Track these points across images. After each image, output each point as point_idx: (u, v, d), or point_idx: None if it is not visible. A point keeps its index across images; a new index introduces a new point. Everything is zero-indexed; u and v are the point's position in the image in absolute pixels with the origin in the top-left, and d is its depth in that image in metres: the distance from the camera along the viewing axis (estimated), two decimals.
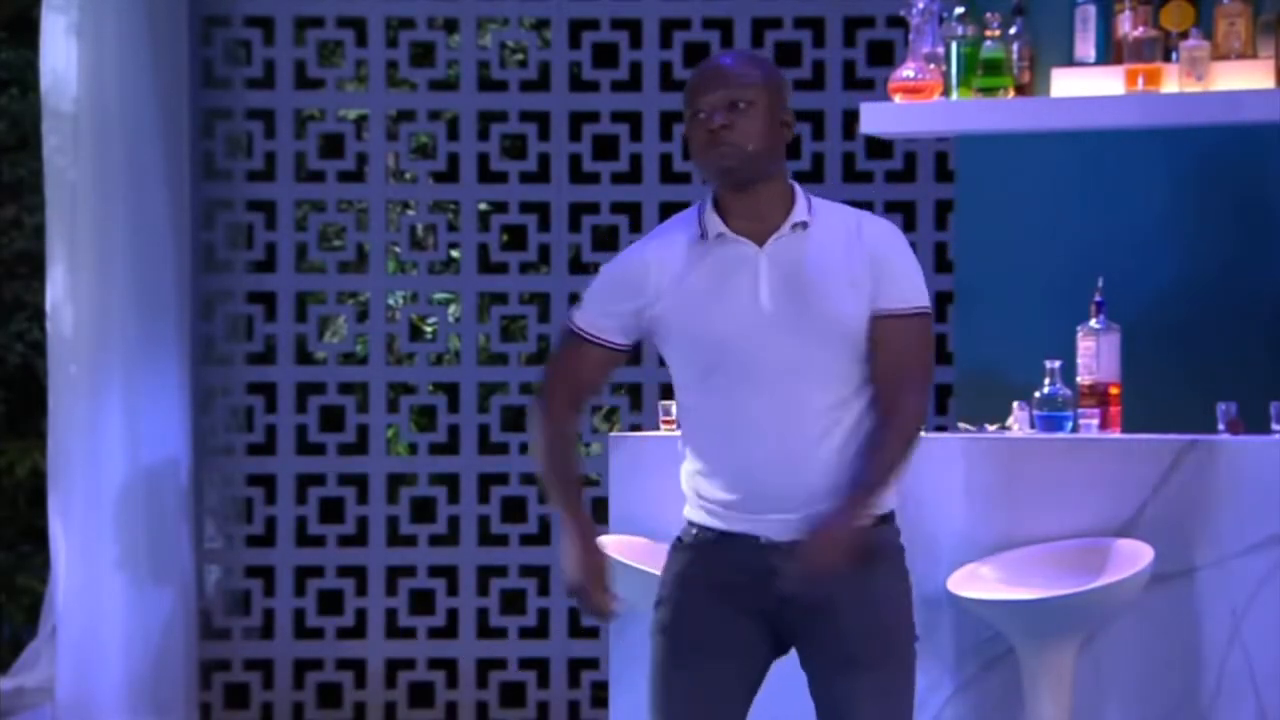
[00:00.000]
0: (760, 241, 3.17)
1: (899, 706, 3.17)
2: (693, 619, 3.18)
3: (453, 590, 6.56)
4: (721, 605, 3.17)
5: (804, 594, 3.14)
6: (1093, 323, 4.70)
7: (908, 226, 6.53)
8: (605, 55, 6.60)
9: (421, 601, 6.58)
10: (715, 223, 3.18)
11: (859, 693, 3.14)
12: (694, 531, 3.22)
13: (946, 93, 4.99)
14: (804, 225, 3.18)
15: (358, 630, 6.55)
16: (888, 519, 3.20)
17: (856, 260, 3.17)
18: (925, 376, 3.18)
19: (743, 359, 3.13)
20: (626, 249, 3.27)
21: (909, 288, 3.18)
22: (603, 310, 3.21)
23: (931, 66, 4.99)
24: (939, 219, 6.49)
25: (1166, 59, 4.87)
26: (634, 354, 3.40)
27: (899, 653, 3.18)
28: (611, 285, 3.22)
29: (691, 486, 3.23)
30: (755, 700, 3.24)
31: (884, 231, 3.22)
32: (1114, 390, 4.68)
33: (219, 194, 6.56)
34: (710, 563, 3.18)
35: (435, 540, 6.58)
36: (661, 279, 3.18)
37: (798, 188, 3.22)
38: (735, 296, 3.14)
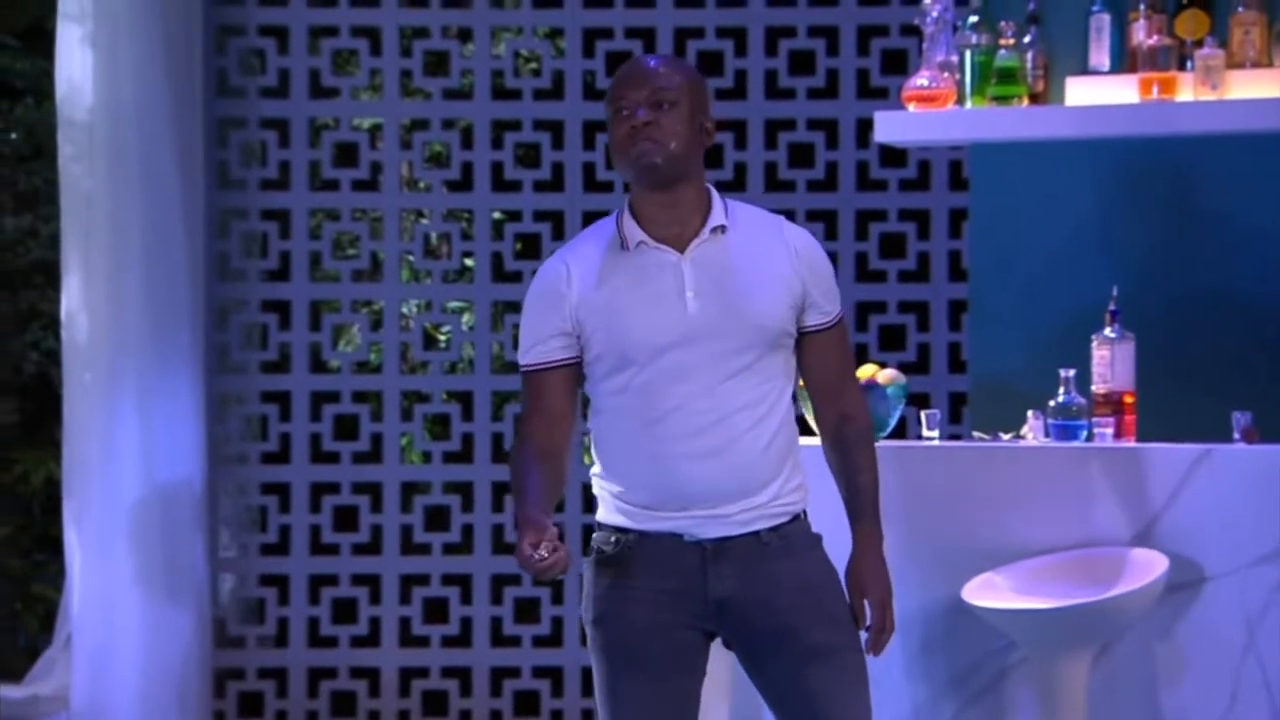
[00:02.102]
0: (681, 248, 3.19)
1: (866, 690, 3.20)
2: (634, 633, 3.18)
3: (466, 599, 6.56)
4: (657, 612, 3.18)
5: (743, 594, 3.17)
6: (1107, 331, 4.69)
7: (922, 235, 6.52)
8: (619, 64, 6.58)
9: (435, 610, 6.58)
10: (635, 231, 3.20)
11: (834, 680, 3.16)
12: (613, 539, 3.21)
13: (960, 101, 4.98)
14: (722, 229, 3.21)
15: (372, 639, 6.56)
16: (800, 517, 3.25)
17: (782, 265, 3.21)
18: (855, 372, 3.37)
19: (667, 361, 3.16)
20: (543, 263, 3.28)
21: (834, 297, 3.27)
22: (537, 336, 3.23)
23: (945, 75, 4.98)
24: (953, 227, 6.48)
25: (1181, 68, 4.87)
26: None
27: (852, 635, 3.22)
28: (536, 306, 3.24)
29: (608, 488, 3.23)
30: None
31: (809, 243, 3.27)
32: (1129, 399, 4.67)
33: (233, 203, 6.57)
34: (639, 571, 3.19)
35: (449, 549, 6.58)
36: (583, 285, 3.20)
37: (714, 192, 3.25)
38: (659, 302, 3.17)
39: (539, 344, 3.23)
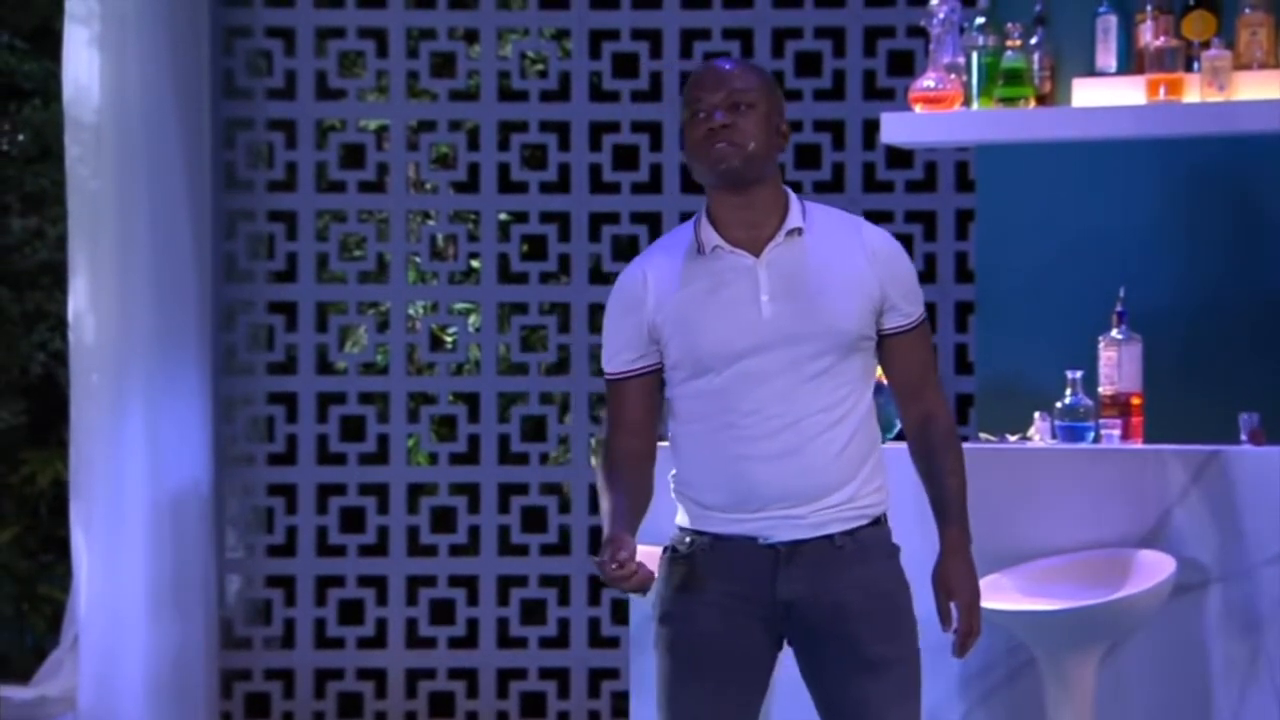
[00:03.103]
0: (756, 251, 3.18)
1: (918, 706, 3.20)
2: (698, 633, 3.17)
3: (473, 600, 6.56)
4: (725, 616, 3.17)
5: (811, 598, 3.16)
6: (1114, 333, 4.69)
7: (928, 236, 6.52)
8: (625, 65, 6.60)
9: (442, 611, 6.58)
10: (711, 235, 3.20)
11: (882, 695, 3.15)
12: (688, 540, 3.21)
13: (967, 102, 4.98)
14: (799, 231, 3.20)
15: (378, 640, 6.56)
16: (880, 521, 3.23)
17: (860, 267, 3.19)
18: (938, 375, 3.33)
19: (743, 367, 3.15)
20: (623, 271, 3.28)
21: (915, 299, 3.24)
22: (621, 343, 3.23)
23: (952, 76, 4.98)
24: (959, 229, 6.48)
25: (1188, 69, 4.86)
26: None
27: (911, 654, 3.20)
28: (617, 311, 3.24)
29: (685, 492, 3.23)
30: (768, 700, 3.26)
31: (889, 243, 3.24)
32: (1136, 400, 4.67)
33: (240, 204, 6.57)
34: (709, 572, 3.18)
35: (455, 550, 6.59)
36: (660, 291, 3.19)
37: (791, 194, 3.24)
38: (735, 306, 3.16)
39: (621, 351, 3.23)
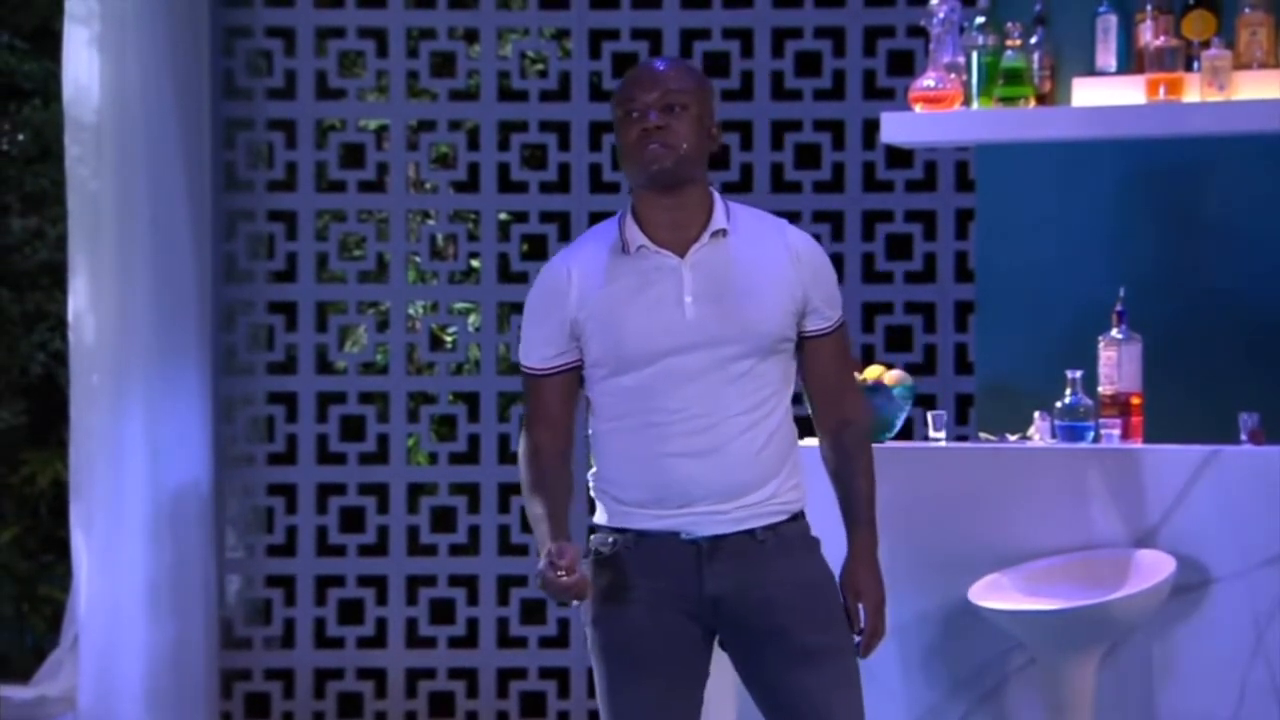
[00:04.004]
0: (681, 252, 3.20)
1: (858, 692, 3.21)
2: (634, 632, 3.19)
3: (473, 600, 6.56)
4: (653, 613, 3.18)
5: (738, 592, 3.18)
6: (1114, 332, 4.69)
7: (928, 236, 6.52)
8: (625, 65, 6.60)
9: (442, 611, 6.58)
10: (636, 235, 3.21)
11: (821, 685, 3.16)
12: (610, 540, 3.22)
13: (967, 102, 4.98)
14: (723, 233, 3.21)
15: (378, 640, 6.56)
16: (799, 516, 3.25)
17: (784, 269, 3.21)
18: (855, 376, 3.37)
19: (664, 366, 3.16)
20: (545, 265, 3.28)
21: (835, 302, 3.27)
22: (540, 338, 3.24)
23: (952, 76, 4.98)
24: (959, 228, 6.48)
25: (1188, 68, 4.86)
26: None
27: (846, 639, 3.23)
28: (538, 307, 3.24)
29: (605, 490, 3.24)
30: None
31: (811, 246, 3.27)
32: (1135, 400, 4.67)
33: (240, 204, 6.57)
34: (634, 570, 3.19)
35: (455, 550, 6.59)
36: (584, 288, 3.20)
37: (717, 195, 3.25)
38: (659, 307, 3.17)
39: (540, 346, 3.24)
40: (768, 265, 3.20)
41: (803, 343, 3.25)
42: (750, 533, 3.19)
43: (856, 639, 3.23)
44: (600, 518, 3.25)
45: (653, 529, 3.19)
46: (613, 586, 3.20)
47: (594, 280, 3.20)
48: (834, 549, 3.29)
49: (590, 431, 3.26)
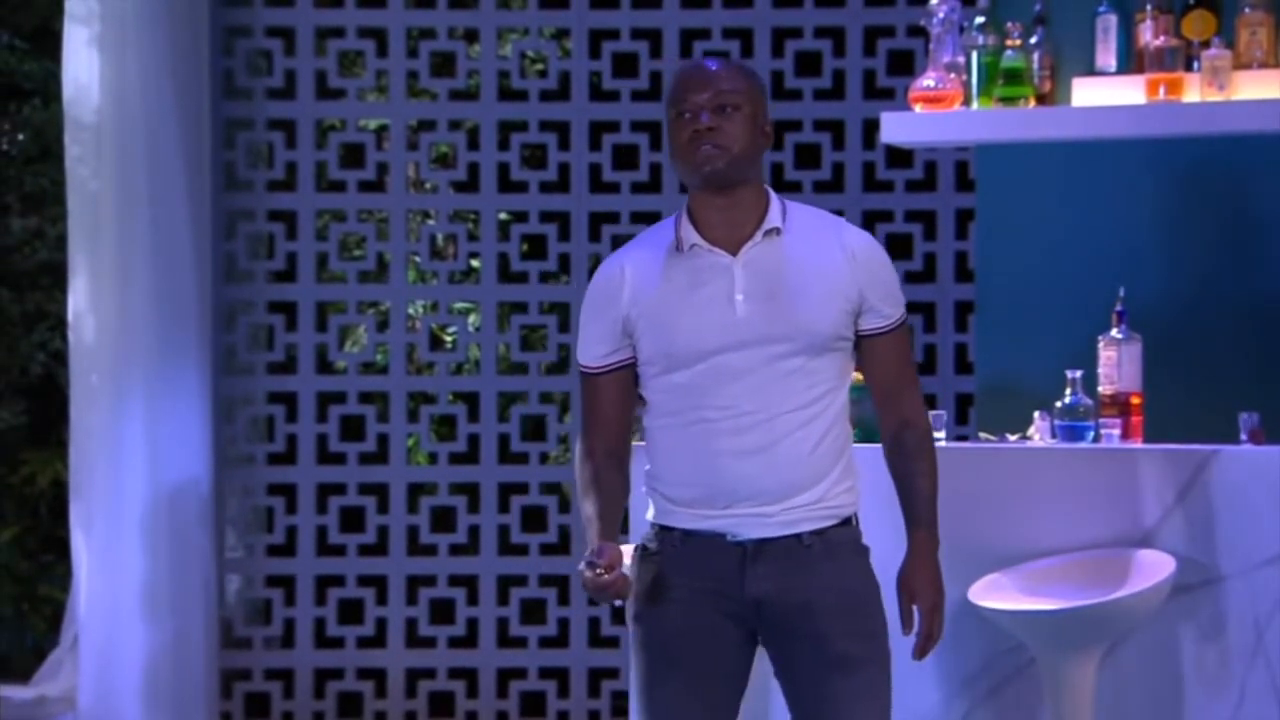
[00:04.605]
0: (734, 250, 3.19)
1: (887, 704, 3.20)
2: (674, 631, 3.18)
3: (473, 600, 6.56)
4: (699, 612, 3.18)
5: (780, 595, 3.16)
6: (1114, 332, 4.69)
7: (928, 236, 6.52)
8: (625, 65, 6.60)
9: (442, 611, 6.58)
10: (690, 233, 3.20)
11: (852, 692, 3.15)
12: (659, 536, 3.22)
13: (967, 102, 4.98)
14: (777, 231, 3.20)
15: (378, 640, 6.56)
16: (850, 521, 3.23)
17: (838, 268, 3.19)
18: (917, 377, 3.32)
19: (715, 364, 3.16)
20: (601, 264, 3.29)
21: (895, 301, 3.24)
22: (596, 335, 3.24)
23: (952, 76, 4.98)
24: (959, 228, 6.48)
25: (1188, 68, 4.86)
26: None
27: (882, 651, 3.21)
28: (594, 304, 3.25)
29: (655, 487, 3.24)
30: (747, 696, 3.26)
31: (869, 245, 3.24)
32: (1135, 400, 4.67)
33: (240, 204, 6.57)
34: (681, 569, 3.19)
35: (455, 550, 6.59)
36: (636, 285, 3.20)
37: (772, 194, 3.24)
38: (709, 304, 3.17)
39: (595, 344, 3.24)
40: (822, 264, 3.18)
41: (860, 341, 3.22)
42: (797, 537, 3.17)
43: (912, 639, 3.20)
44: (650, 515, 3.25)
45: (699, 529, 3.18)
46: (656, 584, 3.19)
47: (647, 278, 3.20)
48: (884, 555, 3.24)
49: (644, 427, 3.26)
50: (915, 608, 3.20)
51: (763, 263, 3.18)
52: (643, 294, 3.19)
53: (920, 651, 3.21)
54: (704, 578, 3.18)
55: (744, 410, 3.14)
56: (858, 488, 3.24)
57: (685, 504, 3.19)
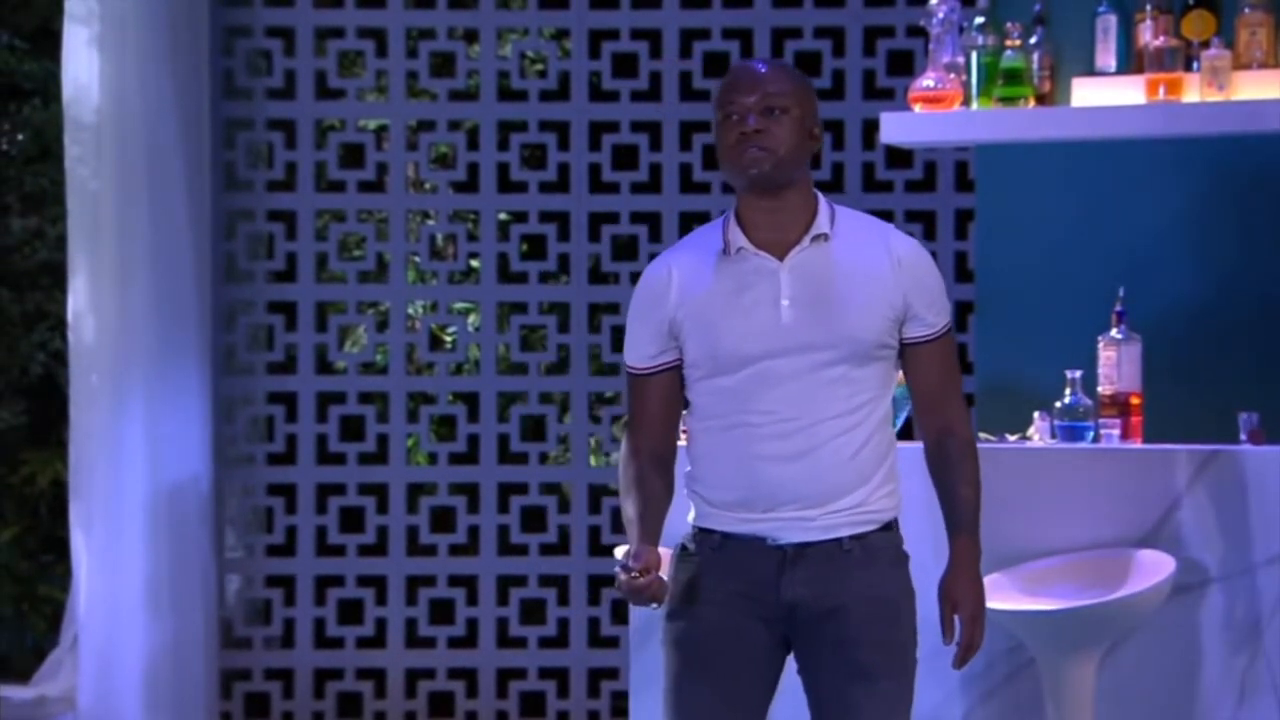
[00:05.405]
0: (781, 255, 3.18)
1: (906, 717, 3.20)
2: (706, 632, 3.18)
3: (472, 600, 6.56)
4: (733, 615, 3.17)
5: (814, 600, 3.16)
6: (1114, 332, 4.69)
7: (928, 236, 6.52)
8: (625, 65, 6.60)
9: (441, 611, 6.58)
10: (737, 236, 3.19)
11: (871, 702, 3.15)
12: (698, 537, 3.22)
13: (967, 102, 4.98)
14: (825, 237, 3.19)
15: (378, 640, 6.56)
16: (890, 527, 3.22)
17: (884, 275, 3.18)
18: (961, 385, 3.29)
19: (759, 369, 3.15)
20: (649, 265, 3.28)
21: (940, 309, 3.22)
22: (643, 337, 3.23)
23: (952, 76, 4.98)
24: (959, 228, 6.48)
25: (1188, 69, 4.86)
26: None
27: (907, 663, 3.20)
28: (641, 306, 3.24)
29: (695, 489, 3.23)
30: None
31: (916, 252, 3.23)
32: (1135, 400, 4.67)
33: (240, 204, 6.57)
34: (715, 571, 3.18)
35: (455, 550, 6.59)
36: (683, 288, 3.19)
37: (821, 198, 3.23)
38: (755, 309, 3.16)
39: (643, 344, 3.23)
40: (868, 270, 3.17)
41: (905, 349, 3.20)
42: (838, 541, 3.16)
43: (953, 647, 3.18)
44: (691, 517, 3.24)
45: (739, 532, 3.17)
46: (691, 585, 3.18)
47: (694, 280, 3.18)
48: (922, 561, 3.23)
49: (687, 429, 3.25)
50: (956, 617, 3.18)
51: (809, 268, 3.16)
52: (689, 296, 3.18)
53: (961, 661, 3.19)
54: (740, 581, 3.17)
55: (786, 415, 3.13)
56: (899, 492, 3.22)
57: (726, 507, 3.18)
